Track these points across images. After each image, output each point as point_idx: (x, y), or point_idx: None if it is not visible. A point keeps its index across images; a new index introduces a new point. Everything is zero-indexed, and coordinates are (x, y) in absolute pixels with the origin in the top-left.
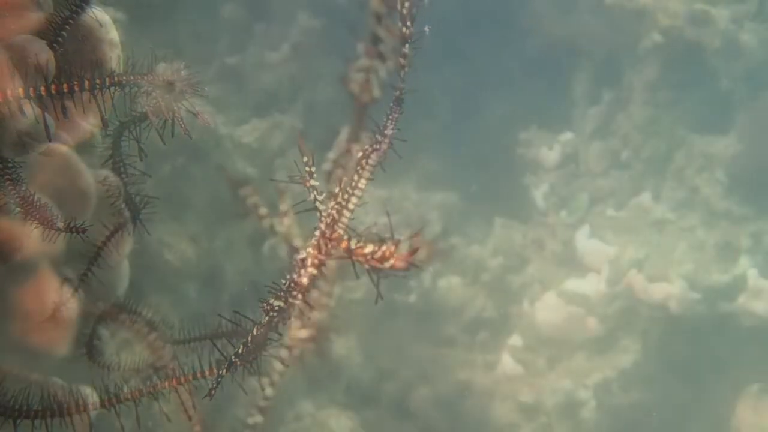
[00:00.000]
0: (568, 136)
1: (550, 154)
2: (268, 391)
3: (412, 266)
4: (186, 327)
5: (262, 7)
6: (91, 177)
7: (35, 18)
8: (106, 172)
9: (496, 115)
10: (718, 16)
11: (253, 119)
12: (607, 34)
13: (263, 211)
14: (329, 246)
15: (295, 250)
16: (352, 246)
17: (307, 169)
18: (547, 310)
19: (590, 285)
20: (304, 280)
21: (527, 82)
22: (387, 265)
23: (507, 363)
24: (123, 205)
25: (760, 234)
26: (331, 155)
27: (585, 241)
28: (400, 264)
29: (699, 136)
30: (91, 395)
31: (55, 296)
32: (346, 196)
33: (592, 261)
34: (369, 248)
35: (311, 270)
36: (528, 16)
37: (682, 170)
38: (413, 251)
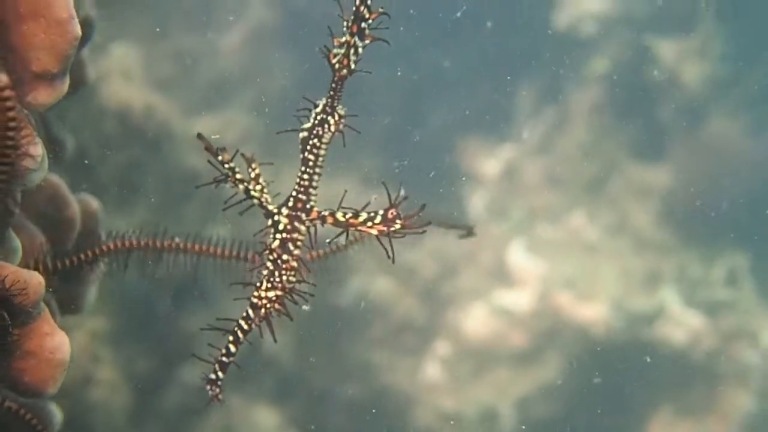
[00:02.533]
0: (508, 148)
1: (489, 165)
2: (232, 348)
3: (414, 227)
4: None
5: None
6: (77, 205)
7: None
8: (87, 197)
9: (439, 120)
10: (663, 50)
11: (207, 114)
12: (556, 56)
13: (239, 176)
14: (305, 217)
15: (269, 215)
16: (341, 218)
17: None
18: (474, 320)
19: (519, 300)
20: (276, 244)
21: (474, 90)
22: (396, 227)
23: (431, 370)
24: (101, 232)
25: (685, 265)
26: (307, 125)
27: (517, 256)
28: (405, 225)
29: (635, 163)
30: (56, 413)
31: (52, 339)
32: (315, 163)
33: (522, 276)
34: (363, 217)
35: (283, 234)
36: (480, 28)
37: (616, 195)
38: (413, 213)
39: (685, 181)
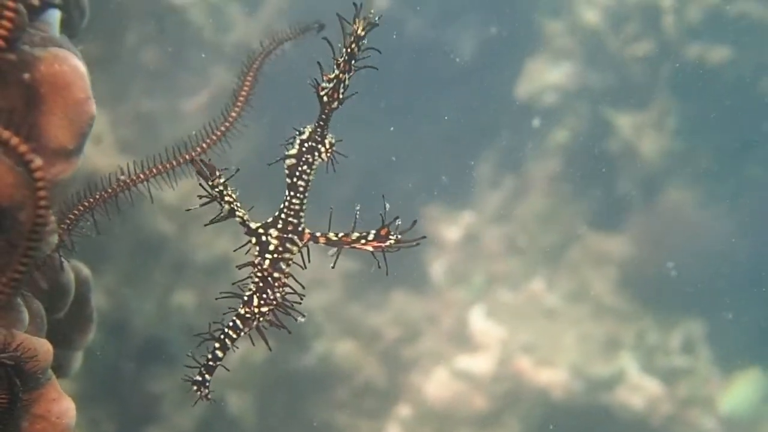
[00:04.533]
0: (469, 215)
1: (451, 232)
2: (219, 353)
3: (405, 243)
4: None
5: (181, 57)
6: (72, 274)
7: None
8: (78, 264)
9: (403, 186)
10: (621, 122)
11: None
12: (516, 126)
13: (228, 198)
14: (298, 239)
15: (254, 233)
16: (333, 237)
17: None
18: (436, 383)
19: (480, 364)
20: (267, 264)
21: (437, 157)
22: (389, 243)
23: None
24: (91, 298)
25: (643, 332)
26: (293, 151)
27: (478, 321)
28: (399, 241)
29: (594, 232)
30: None
31: (59, 405)
32: (305, 188)
33: (483, 340)
34: (355, 235)
35: (274, 255)
36: (444, 99)
37: (575, 263)
38: (406, 230)
39: (643, 250)
